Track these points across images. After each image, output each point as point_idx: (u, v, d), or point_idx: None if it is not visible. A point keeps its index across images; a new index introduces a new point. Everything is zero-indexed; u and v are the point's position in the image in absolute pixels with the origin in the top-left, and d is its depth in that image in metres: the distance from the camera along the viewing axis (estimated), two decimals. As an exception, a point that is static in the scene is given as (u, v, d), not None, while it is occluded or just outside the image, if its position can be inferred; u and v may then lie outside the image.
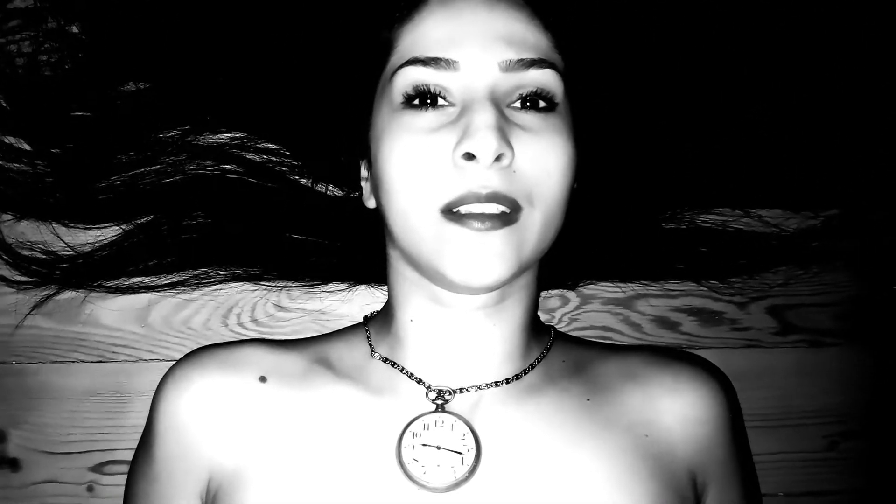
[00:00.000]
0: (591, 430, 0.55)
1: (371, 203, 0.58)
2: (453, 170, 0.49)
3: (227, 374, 0.56)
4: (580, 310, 0.74)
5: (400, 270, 0.56)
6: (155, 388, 0.57)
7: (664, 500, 0.54)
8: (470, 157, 0.48)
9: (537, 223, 0.50)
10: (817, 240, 0.72)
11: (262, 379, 0.57)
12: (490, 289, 0.51)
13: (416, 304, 0.56)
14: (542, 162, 0.50)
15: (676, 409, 0.57)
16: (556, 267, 0.65)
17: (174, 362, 0.59)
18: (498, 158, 0.48)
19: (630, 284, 0.74)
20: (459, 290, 0.52)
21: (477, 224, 0.48)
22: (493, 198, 0.48)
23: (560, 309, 0.74)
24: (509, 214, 0.49)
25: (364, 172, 0.60)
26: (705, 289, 0.73)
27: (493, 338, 0.56)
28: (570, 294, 0.74)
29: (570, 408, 0.56)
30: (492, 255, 0.48)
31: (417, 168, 0.50)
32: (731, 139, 0.68)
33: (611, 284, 0.74)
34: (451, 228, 0.49)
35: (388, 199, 0.51)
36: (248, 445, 0.54)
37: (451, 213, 0.49)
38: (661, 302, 0.74)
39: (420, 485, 0.52)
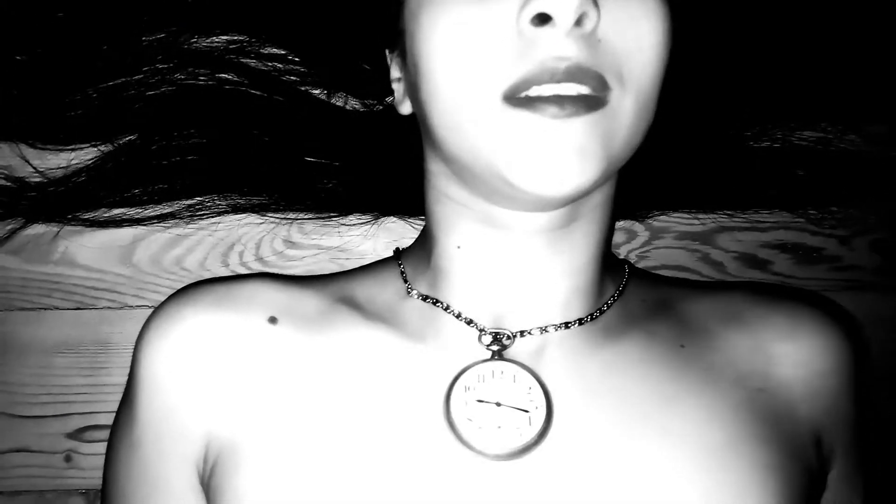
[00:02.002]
0: (690, 383, 0.45)
1: (406, 107, 0.48)
2: (518, 41, 0.37)
3: (227, 315, 0.46)
4: (650, 246, 0.64)
5: (443, 189, 0.45)
6: (140, 335, 0.47)
7: (787, 471, 0.43)
8: (542, 19, 0.36)
9: (629, 111, 0.39)
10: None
11: (273, 320, 0.46)
12: (569, 199, 0.40)
13: (465, 228, 0.45)
14: (635, 29, 0.38)
15: (797, 358, 0.47)
16: (623, 191, 0.54)
17: (163, 300, 0.49)
18: (579, 21, 0.36)
19: (710, 215, 0.63)
20: (526, 202, 0.41)
21: (553, 109, 0.36)
22: (575, 73, 0.36)
23: (625, 245, 0.64)
24: (596, 97, 0.37)
25: (395, 72, 0.49)
26: (801, 220, 0.63)
27: (560, 268, 0.45)
28: (638, 227, 0.63)
29: (661, 355, 0.46)
30: (573, 151, 0.37)
31: (469, 44, 0.38)
32: (836, 35, 0.57)
33: (687, 215, 0.63)
34: (518, 116, 0.37)
35: (430, 93, 0.40)
36: (255, 403, 0.44)
37: (516, 99, 0.37)
38: (747, 236, 0.64)
39: (476, 451, 0.42)
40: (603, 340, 0.46)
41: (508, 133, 0.38)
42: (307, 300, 0.48)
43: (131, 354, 0.47)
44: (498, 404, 0.43)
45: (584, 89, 0.37)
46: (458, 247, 0.46)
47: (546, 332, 0.45)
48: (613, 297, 0.48)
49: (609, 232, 0.49)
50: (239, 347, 0.45)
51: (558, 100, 0.36)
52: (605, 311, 0.47)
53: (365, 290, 0.49)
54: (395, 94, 0.49)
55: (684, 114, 0.57)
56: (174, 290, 0.51)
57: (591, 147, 0.37)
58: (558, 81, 0.37)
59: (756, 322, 0.48)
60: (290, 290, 0.48)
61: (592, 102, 0.37)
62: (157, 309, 0.48)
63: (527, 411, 0.42)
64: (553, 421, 0.43)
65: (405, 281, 0.49)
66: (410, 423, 0.43)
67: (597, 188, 0.42)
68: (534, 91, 0.37)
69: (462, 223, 0.45)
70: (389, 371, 0.45)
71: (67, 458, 0.61)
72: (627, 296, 0.49)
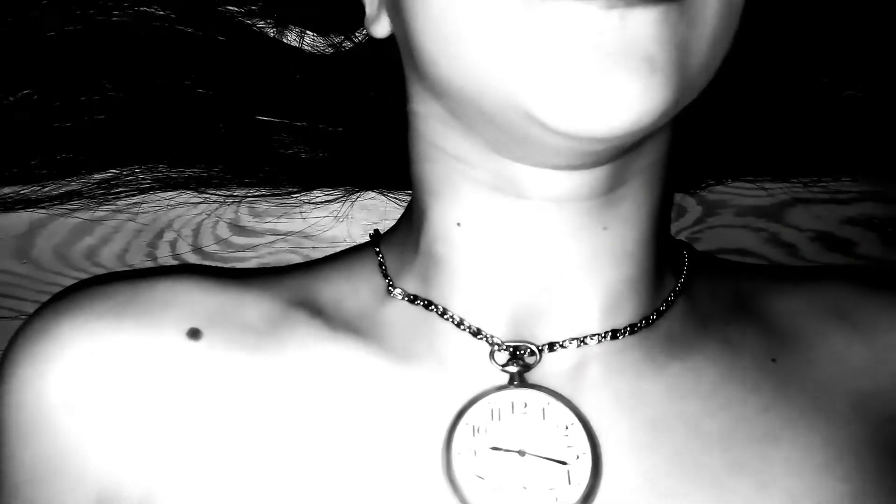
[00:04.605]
0: (790, 413, 0.34)
1: (382, 27, 0.35)
2: None
3: (131, 329, 0.34)
4: (703, 224, 0.52)
5: (435, 140, 0.33)
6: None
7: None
8: None
9: (714, 6, 0.27)
10: None
11: (194, 334, 0.34)
12: (624, 140, 0.27)
13: (467, 196, 0.33)
14: None
15: None
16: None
17: (35, 309, 0.37)
18: None
19: (779, 184, 0.52)
20: (558, 151, 0.29)
21: None
22: None
23: (673, 224, 0.52)
24: None
25: None
26: (892, 190, 0.52)
27: (603, 252, 0.33)
28: (689, 201, 0.52)
29: (746, 374, 0.34)
30: (636, 62, 0.25)
31: None
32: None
33: (750, 185, 0.52)
34: (550, 12, 0.25)
35: None
36: (170, 453, 0.33)
37: None
38: (826, 210, 0.52)
39: (491, 525, 0.29)
40: (666, 354, 0.34)
41: (535, 39, 0.25)
42: (250, 305, 0.36)
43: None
44: (521, 453, 0.31)
45: None
46: (459, 224, 0.33)
47: (585, 344, 0.33)
48: (674, 291, 0.36)
49: (667, 201, 0.38)
50: (150, 376, 0.33)
51: None
52: (665, 311, 0.35)
53: (332, 289, 0.37)
54: (367, 9, 0.36)
55: (754, 50, 0.44)
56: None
57: (662, 56, 0.25)
58: None
59: (868, 322, 0.37)
60: (225, 291, 0.36)
61: None
62: (30, 321, 0.35)
63: (564, 463, 0.30)
64: (602, 476, 0.30)
65: (385, 276, 0.37)
66: (395, 481, 0.31)
67: (660, 128, 0.29)
68: None
69: (463, 189, 0.33)
70: (365, 404, 0.33)
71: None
72: (693, 290, 0.37)
